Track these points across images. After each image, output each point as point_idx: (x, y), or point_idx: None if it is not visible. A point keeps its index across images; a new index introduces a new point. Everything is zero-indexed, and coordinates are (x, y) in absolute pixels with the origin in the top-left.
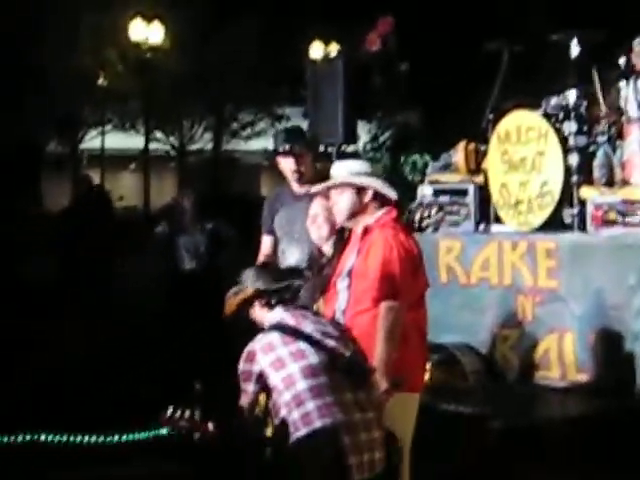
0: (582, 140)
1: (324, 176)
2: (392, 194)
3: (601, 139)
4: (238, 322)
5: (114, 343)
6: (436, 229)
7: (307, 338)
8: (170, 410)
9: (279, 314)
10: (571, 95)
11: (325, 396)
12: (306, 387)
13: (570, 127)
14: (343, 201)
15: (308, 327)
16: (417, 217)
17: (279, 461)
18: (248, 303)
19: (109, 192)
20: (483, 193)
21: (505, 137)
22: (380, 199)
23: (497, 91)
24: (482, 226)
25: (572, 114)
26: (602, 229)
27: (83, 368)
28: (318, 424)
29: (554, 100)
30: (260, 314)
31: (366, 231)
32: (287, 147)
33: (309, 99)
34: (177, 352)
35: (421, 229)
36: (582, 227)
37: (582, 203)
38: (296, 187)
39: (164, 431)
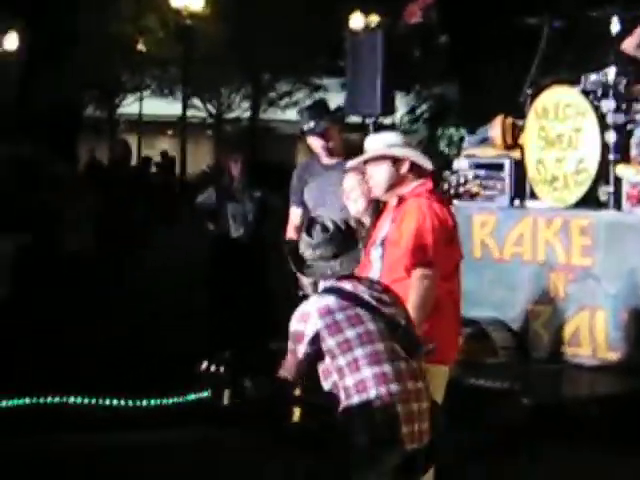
0: (620, 118)
1: (355, 147)
2: (428, 165)
3: (639, 117)
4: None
5: (157, 310)
6: (472, 197)
7: (364, 304)
8: (205, 364)
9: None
10: (610, 72)
11: (382, 364)
12: (363, 354)
13: (608, 104)
14: (380, 174)
15: (364, 293)
16: (454, 183)
17: (326, 428)
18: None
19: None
20: (519, 168)
21: (543, 113)
22: (417, 170)
23: (536, 66)
24: (517, 201)
25: (611, 91)
26: (638, 208)
27: (126, 336)
28: (373, 392)
29: (593, 77)
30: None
31: (400, 200)
32: (312, 125)
33: (348, 70)
34: (222, 319)
35: (458, 196)
36: (617, 205)
37: (618, 181)
38: (325, 159)
39: (193, 396)
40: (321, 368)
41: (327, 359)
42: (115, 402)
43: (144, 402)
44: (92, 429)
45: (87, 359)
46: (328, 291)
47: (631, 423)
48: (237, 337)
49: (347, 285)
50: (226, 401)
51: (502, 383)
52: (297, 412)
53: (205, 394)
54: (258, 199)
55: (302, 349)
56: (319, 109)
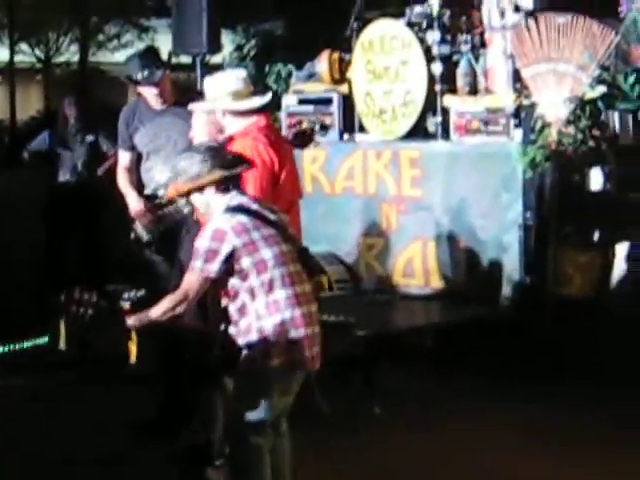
0: (445, 49)
1: (183, 89)
2: (255, 104)
3: (464, 48)
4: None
5: None
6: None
7: (272, 224)
8: (77, 292)
9: (238, 198)
10: (434, 4)
11: (293, 286)
12: (278, 275)
13: (433, 36)
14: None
15: (266, 212)
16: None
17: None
18: (201, 188)
19: None
20: (347, 102)
21: (369, 46)
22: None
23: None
24: (346, 135)
25: (435, 23)
26: (465, 137)
27: None
28: (286, 314)
29: (418, 9)
30: (214, 199)
31: (230, 139)
32: (145, 74)
33: (173, 9)
34: (51, 266)
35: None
36: (446, 136)
37: (446, 112)
38: (157, 105)
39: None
40: (230, 288)
41: (236, 279)
42: None
43: None
44: None
45: None
46: (235, 209)
47: (463, 350)
48: (70, 281)
49: (252, 204)
50: (63, 345)
51: (337, 316)
52: (133, 352)
53: (42, 340)
54: (89, 144)
55: (213, 267)
56: (151, 57)
